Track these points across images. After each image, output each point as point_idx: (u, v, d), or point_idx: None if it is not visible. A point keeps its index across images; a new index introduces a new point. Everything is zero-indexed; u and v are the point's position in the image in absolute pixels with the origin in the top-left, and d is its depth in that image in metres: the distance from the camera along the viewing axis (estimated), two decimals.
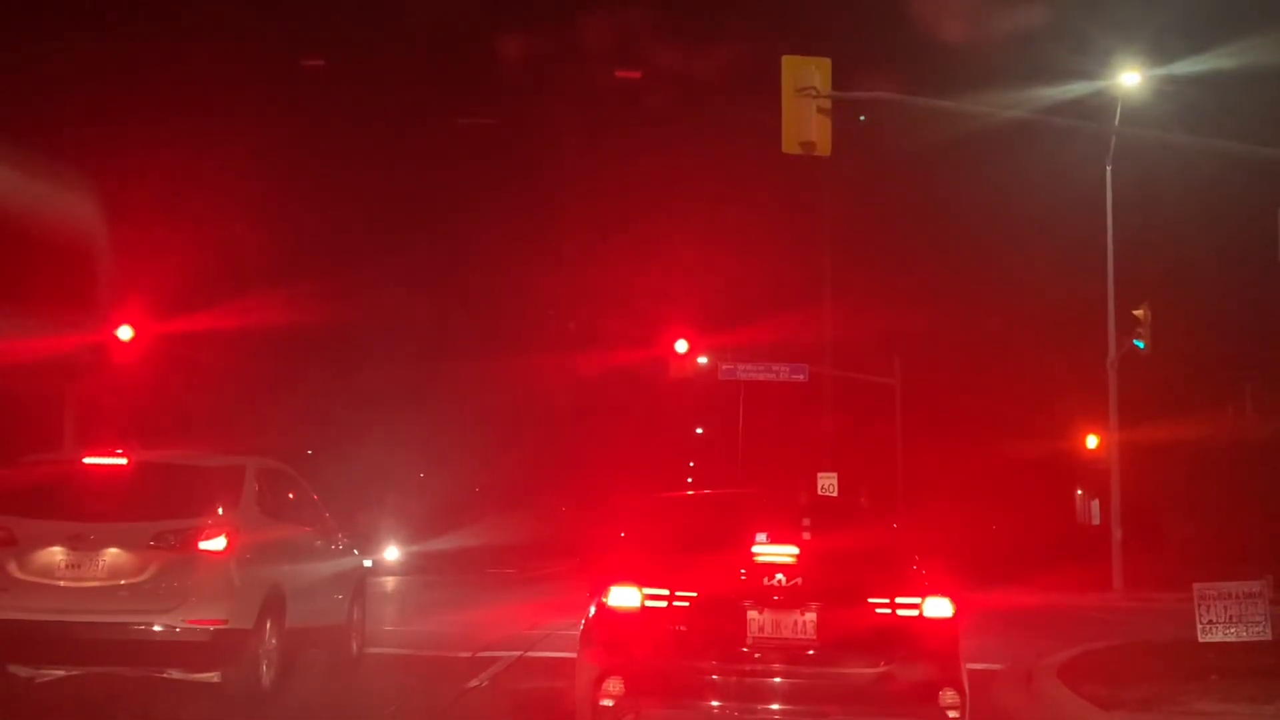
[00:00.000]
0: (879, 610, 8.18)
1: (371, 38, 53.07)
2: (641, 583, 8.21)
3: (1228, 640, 13.35)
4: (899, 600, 8.19)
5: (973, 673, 8.58)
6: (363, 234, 55.51)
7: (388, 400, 49.71)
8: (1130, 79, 25.32)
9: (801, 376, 35.50)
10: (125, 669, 10.35)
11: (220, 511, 10.54)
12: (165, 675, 10.27)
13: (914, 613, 8.16)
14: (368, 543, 29.31)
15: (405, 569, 35.89)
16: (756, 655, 8.07)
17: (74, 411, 28.30)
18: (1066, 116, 21.19)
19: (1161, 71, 24.71)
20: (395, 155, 58.32)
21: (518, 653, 14.09)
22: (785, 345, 36.99)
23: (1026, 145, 31.57)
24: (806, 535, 8.69)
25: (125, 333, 27.66)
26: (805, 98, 15.67)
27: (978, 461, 39.56)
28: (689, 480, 62.40)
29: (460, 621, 18.52)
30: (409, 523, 42.25)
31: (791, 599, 8.12)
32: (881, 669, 8.06)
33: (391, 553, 36.99)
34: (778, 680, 8.06)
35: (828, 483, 32.83)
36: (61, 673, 10.61)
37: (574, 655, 8.92)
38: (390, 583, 30.07)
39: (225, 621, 10.10)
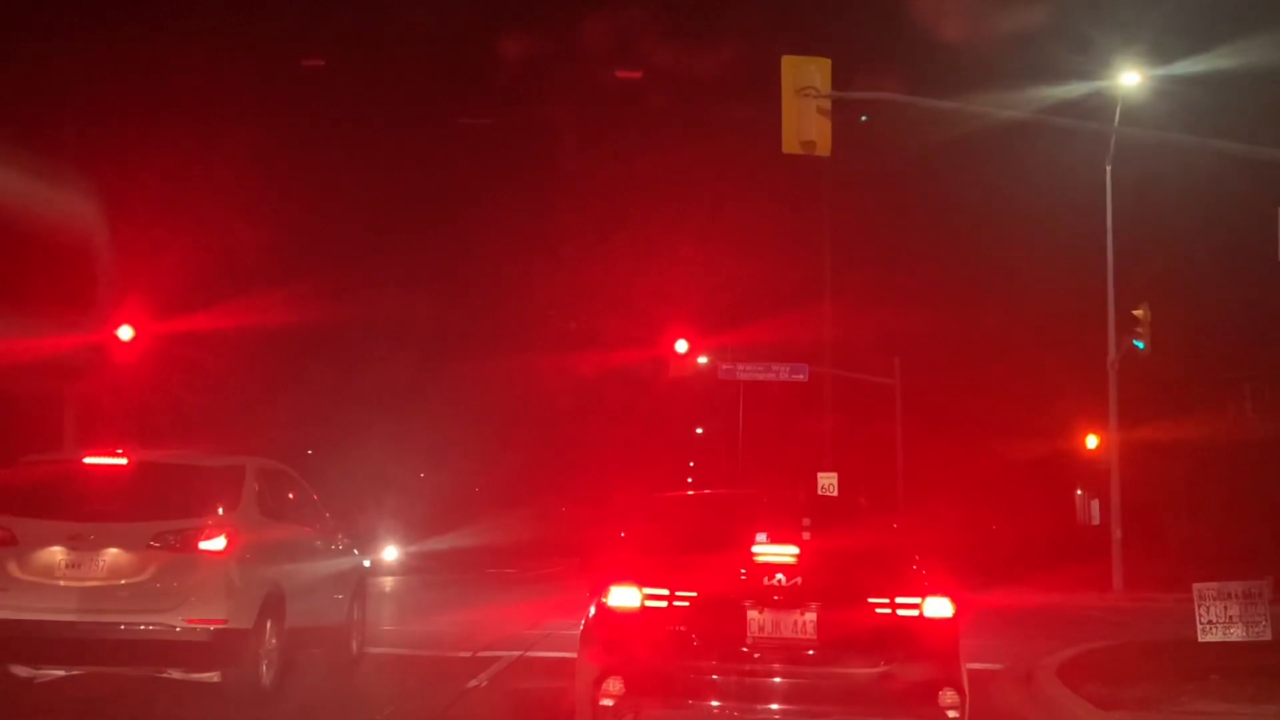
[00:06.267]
0: (879, 610, 8.18)
1: (371, 38, 53.08)
2: (641, 583, 8.21)
3: (1228, 640, 13.35)
4: (899, 600, 8.18)
5: (973, 673, 8.57)
6: (363, 233, 55.62)
7: (388, 400, 49.79)
8: (1130, 79, 25.29)
9: (801, 376, 35.49)
10: (125, 669, 10.36)
11: (220, 512, 10.55)
12: (165, 675, 10.28)
13: (914, 613, 8.15)
14: (367, 543, 29.37)
15: (405, 569, 35.88)
16: (756, 655, 8.07)
17: (74, 411, 28.29)
18: (1066, 116, 21.17)
19: (1161, 71, 24.69)
20: (395, 155, 58.41)
21: (518, 653, 14.09)
22: (785, 345, 37.00)
23: (1026, 145, 31.57)
24: (806, 535, 8.69)
25: (125, 333, 27.67)
26: (805, 98, 15.67)
27: (978, 461, 39.50)
28: (689, 480, 62.40)
29: (460, 621, 18.53)
30: (408, 523, 42.29)
31: (791, 599, 8.12)
32: (881, 669, 8.06)
33: (391, 553, 37.01)
34: (778, 680, 8.06)
35: (828, 483, 32.81)
36: (61, 673, 10.61)
37: (574, 655, 8.91)
38: (390, 583, 30.06)
39: (225, 621, 10.11)
